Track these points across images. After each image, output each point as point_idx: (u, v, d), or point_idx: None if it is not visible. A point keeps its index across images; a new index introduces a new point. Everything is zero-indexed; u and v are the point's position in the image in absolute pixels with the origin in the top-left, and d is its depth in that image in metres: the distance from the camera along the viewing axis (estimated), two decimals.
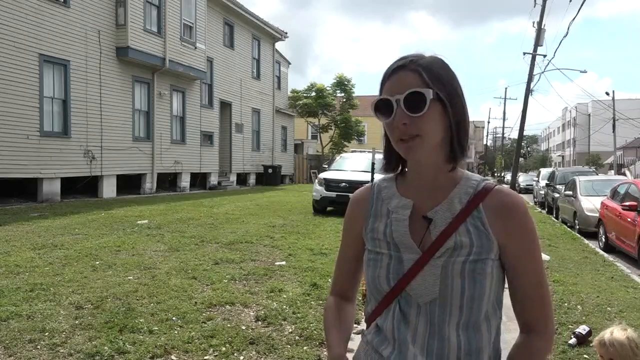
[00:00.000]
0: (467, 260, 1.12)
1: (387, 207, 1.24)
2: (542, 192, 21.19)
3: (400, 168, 1.28)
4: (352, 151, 18.46)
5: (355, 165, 14.42)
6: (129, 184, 16.88)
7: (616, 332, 2.34)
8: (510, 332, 1.48)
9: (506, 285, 1.20)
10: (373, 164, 8.94)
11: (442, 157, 1.18)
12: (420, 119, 1.11)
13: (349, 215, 1.34)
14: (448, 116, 1.15)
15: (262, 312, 4.65)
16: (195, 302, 4.84)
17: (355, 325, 4.48)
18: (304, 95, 32.29)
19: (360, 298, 4.93)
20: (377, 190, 1.29)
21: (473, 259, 1.12)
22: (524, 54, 27.09)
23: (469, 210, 1.16)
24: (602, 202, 10.89)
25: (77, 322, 4.20)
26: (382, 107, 1.15)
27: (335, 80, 33.59)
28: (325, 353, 3.87)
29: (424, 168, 1.20)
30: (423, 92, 1.11)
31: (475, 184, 1.19)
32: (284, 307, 4.84)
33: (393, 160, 1.26)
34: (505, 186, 1.22)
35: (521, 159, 56.11)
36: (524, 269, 1.15)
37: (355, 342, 1.32)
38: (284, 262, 6.80)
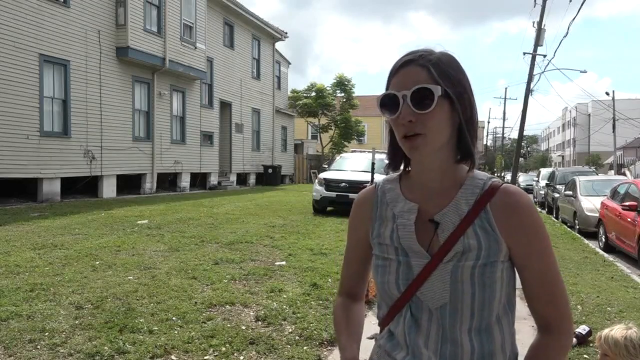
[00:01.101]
0: (477, 264, 1.10)
1: (392, 211, 1.21)
2: (542, 192, 21.20)
3: (403, 167, 1.26)
4: (352, 151, 18.45)
5: (355, 165, 14.42)
6: (129, 184, 16.88)
7: (616, 330, 2.34)
8: (518, 333, 1.48)
9: (518, 285, 1.18)
10: (373, 164, 8.94)
11: (448, 157, 1.16)
12: (427, 116, 1.09)
13: (353, 218, 1.31)
14: (456, 115, 1.12)
15: (262, 312, 4.65)
16: (195, 302, 4.84)
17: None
18: (304, 95, 32.31)
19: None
20: (380, 192, 1.26)
21: (482, 263, 1.10)
22: (524, 54, 27.09)
23: (476, 211, 1.13)
24: (602, 202, 10.89)
25: (77, 322, 4.20)
26: (388, 102, 1.12)
27: (335, 80, 33.63)
28: (325, 353, 3.87)
29: (428, 169, 1.17)
30: (431, 88, 1.08)
31: (481, 184, 1.16)
32: (284, 307, 4.84)
33: (398, 158, 1.23)
34: (512, 185, 1.21)
35: (521, 159, 56.14)
36: (535, 268, 1.13)
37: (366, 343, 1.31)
38: (284, 262, 6.80)
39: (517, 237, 1.12)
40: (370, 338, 1.30)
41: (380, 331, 1.25)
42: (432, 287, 1.12)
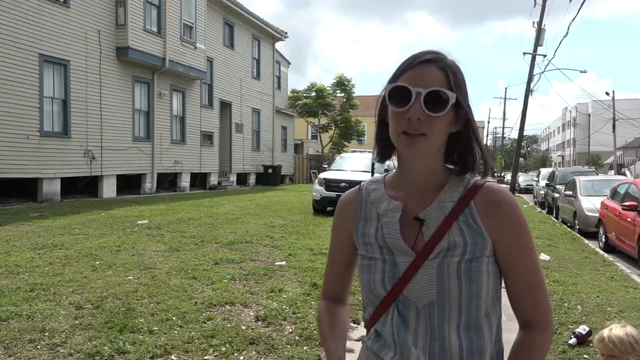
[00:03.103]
0: (462, 259, 1.11)
1: (377, 210, 1.22)
2: (542, 192, 21.19)
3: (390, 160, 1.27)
4: (352, 151, 18.46)
5: (355, 165, 14.41)
6: (129, 184, 16.88)
7: (615, 329, 2.38)
8: (510, 332, 1.47)
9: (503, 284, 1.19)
10: (373, 164, 8.96)
11: (438, 160, 1.18)
12: (436, 119, 1.10)
13: (337, 218, 1.31)
14: (459, 122, 1.15)
15: (262, 312, 4.65)
16: (195, 302, 4.84)
17: (354, 326, 4.49)
18: (304, 95, 32.33)
19: (360, 298, 4.93)
20: (365, 193, 1.27)
21: (468, 258, 1.11)
22: (524, 54, 27.10)
23: (460, 208, 1.14)
24: (602, 202, 10.89)
25: (77, 322, 4.20)
26: (397, 94, 1.11)
27: (335, 80, 33.66)
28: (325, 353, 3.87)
29: (419, 169, 1.18)
30: (448, 94, 1.09)
31: (465, 182, 1.18)
32: (284, 307, 4.84)
33: (389, 150, 1.24)
34: (498, 184, 1.22)
35: (521, 159, 56.12)
36: (517, 264, 1.14)
37: (352, 346, 1.31)
38: (284, 262, 6.80)
39: (501, 234, 1.13)
40: (358, 340, 1.29)
41: (367, 332, 1.25)
42: (418, 284, 1.12)
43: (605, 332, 2.39)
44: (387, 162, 1.31)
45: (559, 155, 77.42)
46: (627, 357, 2.31)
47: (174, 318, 4.38)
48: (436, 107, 1.09)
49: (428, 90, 1.09)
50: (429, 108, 1.09)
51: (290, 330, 4.28)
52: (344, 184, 12.89)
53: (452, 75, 1.11)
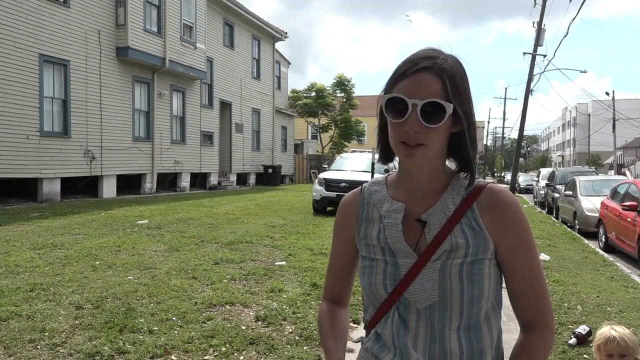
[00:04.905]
0: (465, 262, 1.10)
1: (379, 211, 1.21)
2: (542, 192, 21.20)
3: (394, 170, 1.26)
4: (352, 151, 18.46)
5: (355, 165, 14.43)
6: (129, 184, 16.89)
7: (618, 329, 2.40)
8: (510, 332, 1.48)
9: (504, 285, 1.18)
10: (373, 163, 8.95)
11: (439, 163, 1.17)
12: (433, 129, 1.08)
13: (339, 220, 1.31)
14: (458, 125, 1.12)
15: (262, 312, 4.65)
16: (195, 302, 4.84)
17: (354, 326, 4.49)
18: (304, 95, 32.36)
19: (361, 298, 4.93)
20: (366, 194, 1.26)
21: (470, 261, 1.11)
22: (524, 54, 27.07)
23: (462, 210, 1.14)
24: (602, 202, 10.89)
25: (77, 322, 4.20)
26: (394, 105, 1.10)
27: (335, 80, 33.71)
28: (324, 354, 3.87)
29: (419, 172, 1.18)
30: (444, 105, 1.07)
31: (466, 184, 1.18)
32: (284, 307, 4.84)
33: (390, 154, 1.23)
34: (503, 185, 1.22)
35: (521, 159, 56.09)
36: (519, 266, 1.14)
37: (352, 346, 1.31)
38: (284, 262, 6.80)
39: (503, 235, 1.13)
40: (357, 341, 1.28)
41: (367, 334, 1.25)
42: (420, 286, 1.12)
43: (613, 332, 2.40)
44: (389, 163, 1.30)
45: (559, 155, 77.43)
46: (635, 355, 2.34)
47: (174, 318, 4.38)
48: (433, 119, 1.07)
49: (424, 102, 1.06)
50: (426, 119, 1.07)
51: (290, 330, 4.28)
52: (344, 184, 12.90)
53: (449, 81, 1.08)
